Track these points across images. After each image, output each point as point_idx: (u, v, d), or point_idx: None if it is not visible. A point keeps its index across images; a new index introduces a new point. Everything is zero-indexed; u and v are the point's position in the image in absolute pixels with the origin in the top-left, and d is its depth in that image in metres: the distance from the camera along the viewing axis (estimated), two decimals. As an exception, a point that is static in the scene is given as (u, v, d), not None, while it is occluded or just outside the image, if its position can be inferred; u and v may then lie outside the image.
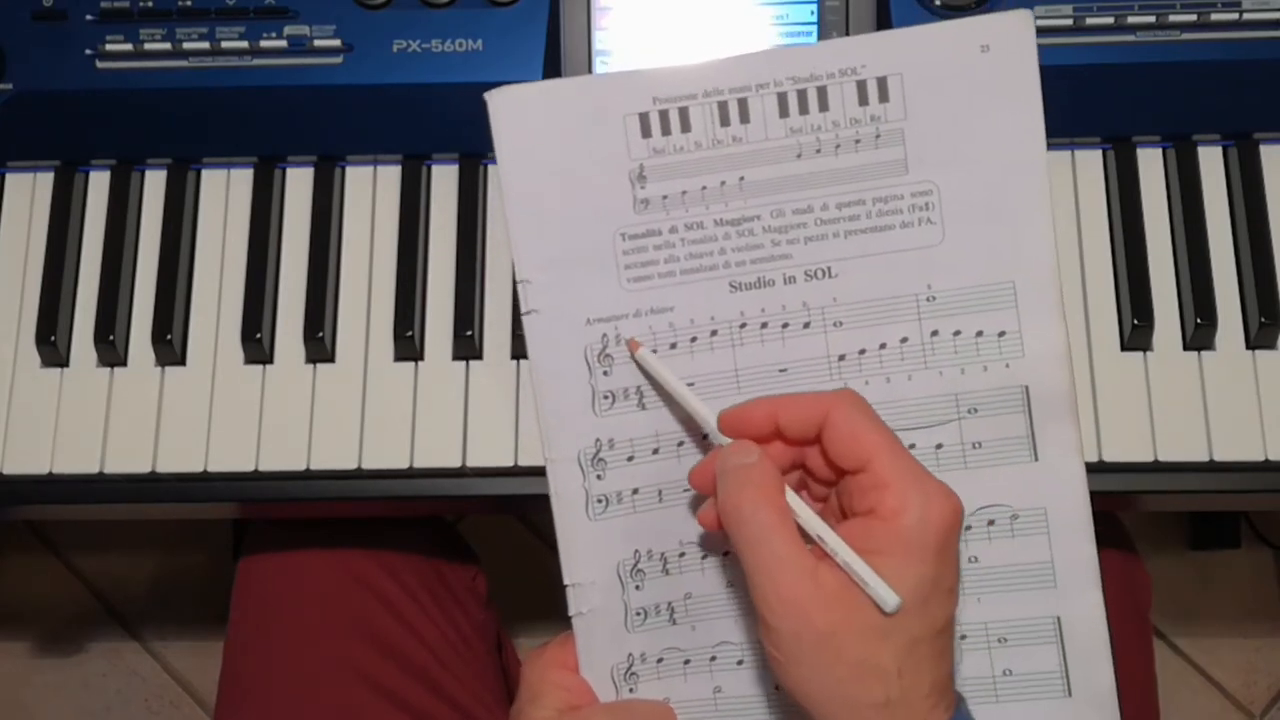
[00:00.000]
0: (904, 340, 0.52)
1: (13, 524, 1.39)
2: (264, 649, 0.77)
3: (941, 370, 0.52)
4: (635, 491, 0.53)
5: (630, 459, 0.53)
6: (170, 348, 0.70)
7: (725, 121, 0.52)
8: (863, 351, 0.52)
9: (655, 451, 0.53)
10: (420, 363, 0.70)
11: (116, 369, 0.70)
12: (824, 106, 0.51)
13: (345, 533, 0.79)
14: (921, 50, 0.51)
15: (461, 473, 0.68)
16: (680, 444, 0.53)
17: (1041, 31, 0.68)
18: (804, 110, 0.51)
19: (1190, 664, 1.35)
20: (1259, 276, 0.68)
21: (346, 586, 0.77)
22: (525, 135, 0.51)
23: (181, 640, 1.39)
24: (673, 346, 0.52)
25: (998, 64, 0.51)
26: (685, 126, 0.52)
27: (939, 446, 0.52)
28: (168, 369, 0.70)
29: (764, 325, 0.52)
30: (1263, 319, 0.67)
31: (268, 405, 0.69)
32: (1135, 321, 0.67)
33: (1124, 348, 0.68)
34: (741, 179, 0.52)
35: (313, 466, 0.68)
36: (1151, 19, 0.68)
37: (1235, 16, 0.68)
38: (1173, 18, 0.68)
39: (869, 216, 0.52)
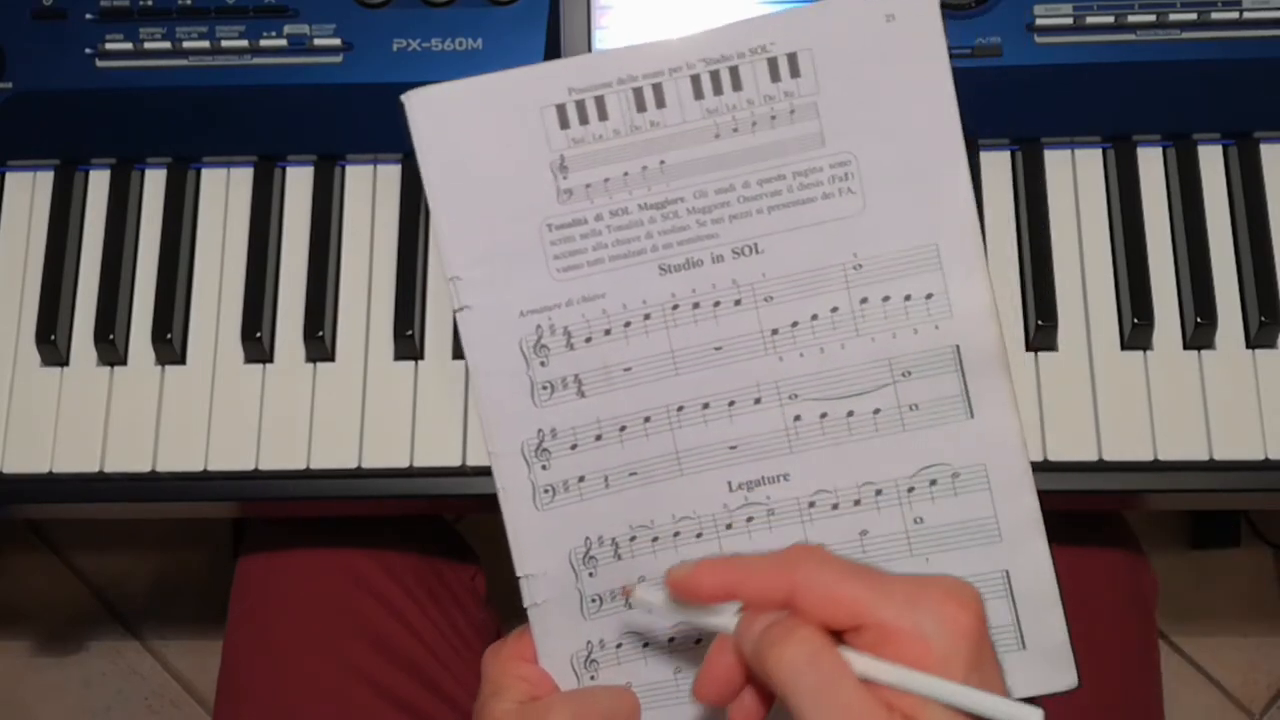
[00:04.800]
0: (834, 310, 0.53)
1: (13, 523, 1.39)
2: (263, 649, 0.77)
3: (874, 336, 0.53)
4: (581, 479, 0.53)
5: (574, 447, 0.53)
6: (170, 347, 0.70)
7: (642, 107, 0.52)
8: (795, 324, 0.53)
9: (598, 438, 0.53)
10: (420, 362, 0.70)
11: (116, 368, 0.70)
12: (737, 86, 0.52)
13: (345, 532, 0.79)
14: (828, 24, 0.52)
15: (461, 472, 0.68)
16: (622, 429, 0.53)
17: (1041, 31, 0.68)
18: (718, 91, 0.52)
19: (1190, 663, 1.35)
20: (1259, 276, 0.68)
21: (346, 586, 0.77)
22: (445, 134, 0.52)
23: (181, 639, 1.39)
24: (607, 333, 0.53)
25: (904, 32, 0.52)
26: (603, 115, 0.52)
27: (876, 411, 0.53)
28: (168, 368, 0.70)
29: (695, 305, 0.53)
30: (1263, 318, 0.67)
31: (267, 404, 0.69)
32: (1135, 320, 0.67)
33: (1124, 347, 0.68)
34: (662, 163, 0.53)
35: (313, 466, 0.68)
36: (1151, 18, 0.68)
37: (1235, 15, 0.68)
38: (1173, 17, 0.68)
39: (790, 191, 0.53)
